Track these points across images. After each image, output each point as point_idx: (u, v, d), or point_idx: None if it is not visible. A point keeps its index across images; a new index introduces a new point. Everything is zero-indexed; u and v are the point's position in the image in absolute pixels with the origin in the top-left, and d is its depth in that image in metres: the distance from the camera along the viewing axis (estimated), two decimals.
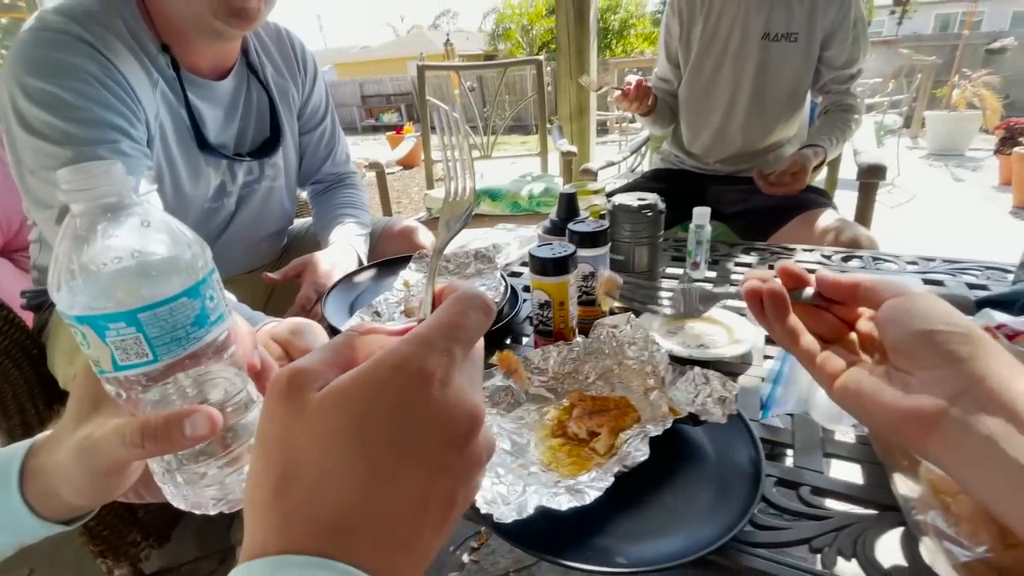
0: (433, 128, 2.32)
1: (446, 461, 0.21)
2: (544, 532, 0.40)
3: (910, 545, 0.38)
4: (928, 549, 0.37)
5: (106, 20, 0.74)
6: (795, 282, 0.36)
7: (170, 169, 0.83)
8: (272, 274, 0.88)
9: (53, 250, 0.26)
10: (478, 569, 1.11)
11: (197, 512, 0.30)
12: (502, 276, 0.82)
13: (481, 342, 0.25)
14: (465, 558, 1.14)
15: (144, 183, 0.75)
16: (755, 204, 1.25)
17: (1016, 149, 4.06)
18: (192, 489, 0.29)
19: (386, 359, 0.21)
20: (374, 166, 1.86)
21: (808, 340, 0.35)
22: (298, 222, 1.20)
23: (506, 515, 0.39)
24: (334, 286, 0.83)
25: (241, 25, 0.76)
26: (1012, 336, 0.38)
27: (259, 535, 0.19)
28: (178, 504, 0.30)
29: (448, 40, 6.62)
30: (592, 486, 0.41)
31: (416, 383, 0.20)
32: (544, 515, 0.39)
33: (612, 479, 0.41)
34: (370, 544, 0.19)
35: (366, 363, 0.21)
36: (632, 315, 0.58)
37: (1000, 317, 0.40)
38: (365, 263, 0.96)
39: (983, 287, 0.77)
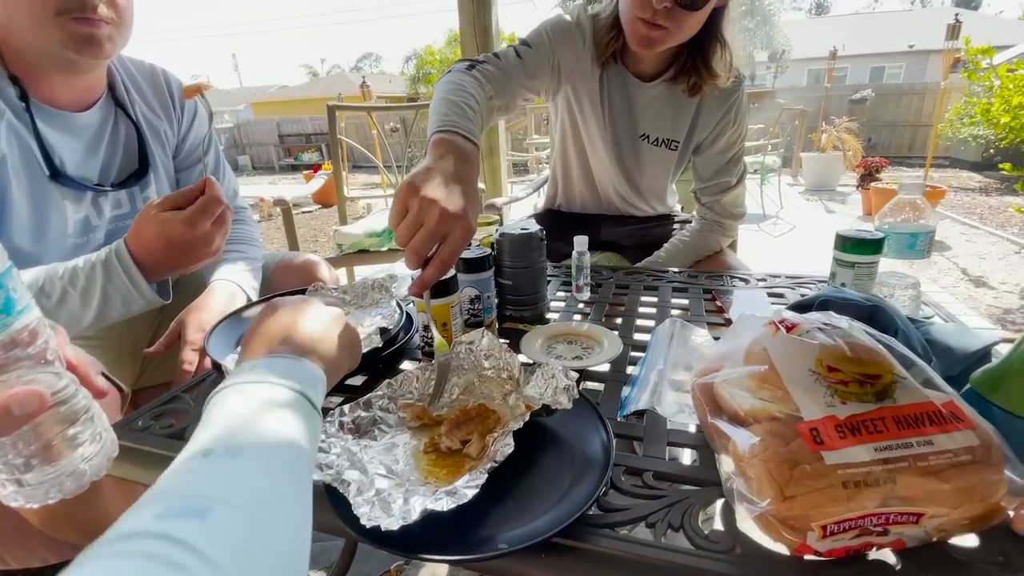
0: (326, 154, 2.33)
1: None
2: (418, 535, 0.41)
3: (727, 513, 0.44)
4: (738, 511, 0.43)
5: None
6: None
7: (16, 199, 0.80)
8: (150, 349, 0.85)
9: None
10: None
11: (36, 505, 0.30)
12: (397, 304, 0.85)
13: None
14: None
15: None
16: (646, 237, 1.34)
17: (873, 184, 4.70)
18: (29, 480, 0.29)
19: None
20: (279, 203, 1.83)
21: None
22: None
23: (392, 524, 0.40)
24: (221, 321, 0.82)
25: (93, 54, 0.78)
26: (789, 328, 0.46)
27: (251, 355, 0.44)
28: (14, 503, 0.30)
29: (364, 83, 6.67)
30: (469, 486, 0.43)
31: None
32: (422, 520, 0.40)
33: (486, 475, 0.44)
34: (301, 343, 0.47)
35: None
36: (485, 329, 0.62)
37: (786, 314, 0.48)
38: (255, 298, 0.95)
39: (781, 295, 0.93)
